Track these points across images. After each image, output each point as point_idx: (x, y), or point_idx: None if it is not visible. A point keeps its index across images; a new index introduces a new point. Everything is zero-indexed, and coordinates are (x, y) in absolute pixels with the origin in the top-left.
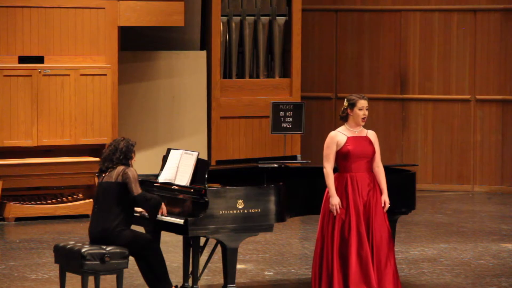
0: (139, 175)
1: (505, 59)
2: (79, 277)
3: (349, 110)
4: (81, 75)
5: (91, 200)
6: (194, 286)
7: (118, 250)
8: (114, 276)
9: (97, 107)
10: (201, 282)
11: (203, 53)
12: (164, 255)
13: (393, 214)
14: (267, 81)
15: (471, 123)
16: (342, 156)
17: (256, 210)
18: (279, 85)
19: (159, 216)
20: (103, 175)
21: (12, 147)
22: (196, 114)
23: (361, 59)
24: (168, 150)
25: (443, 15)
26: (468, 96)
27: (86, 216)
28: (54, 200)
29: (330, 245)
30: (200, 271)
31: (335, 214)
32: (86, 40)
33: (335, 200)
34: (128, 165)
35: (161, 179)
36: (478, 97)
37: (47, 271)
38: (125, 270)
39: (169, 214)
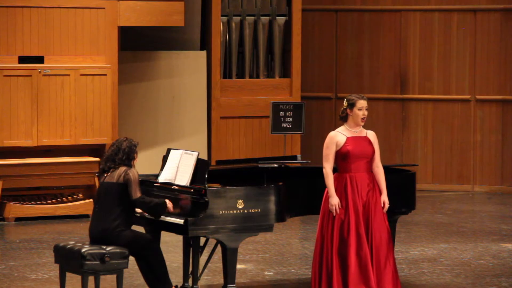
0: (139, 175)
1: (505, 59)
2: (79, 277)
3: (348, 110)
4: (81, 75)
5: (91, 200)
6: (194, 286)
7: (118, 250)
8: (114, 276)
9: (97, 107)
10: (201, 282)
11: (203, 53)
12: (164, 255)
13: (393, 214)
14: (267, 81)
15: (471, 123)
16: (342, 156)
17: (256, 210)
18: (279, 85)
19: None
20: (105, 175)
21: (12, 147)
22: (196, 114)
23: (361, 59)
24: (168, 150)
25: (443, 15)
26: (468, 96)
27: (86, 216)
28: (54, 200)
29: (330, 245)
30: (200, 271)
31: (334, 214)
32: (86, 40)
33: (334, 200)
34: (130, 165)
35: (161, 179)
36: (478, 97)
37: (47, 271)
38: (125, 270)
39: (169, 214)
